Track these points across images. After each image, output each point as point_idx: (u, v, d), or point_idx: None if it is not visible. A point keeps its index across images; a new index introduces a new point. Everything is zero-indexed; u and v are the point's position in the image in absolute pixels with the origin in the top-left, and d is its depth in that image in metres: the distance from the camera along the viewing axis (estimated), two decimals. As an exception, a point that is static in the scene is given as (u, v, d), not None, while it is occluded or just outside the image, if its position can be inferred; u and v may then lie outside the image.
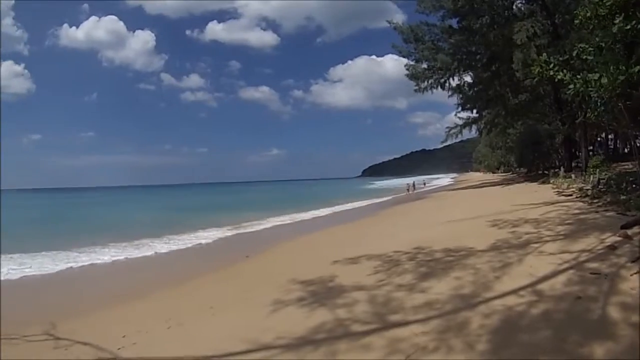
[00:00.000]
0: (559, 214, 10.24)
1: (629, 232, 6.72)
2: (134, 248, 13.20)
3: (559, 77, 9.47)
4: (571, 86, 9.22)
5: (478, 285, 5.24)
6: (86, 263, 11.06)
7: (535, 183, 25.49)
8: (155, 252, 12.55)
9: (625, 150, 38.44)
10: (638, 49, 10.02)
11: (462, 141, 60.74)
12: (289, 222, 20.47)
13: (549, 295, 4.49)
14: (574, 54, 9.52)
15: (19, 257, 11.66)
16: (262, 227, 18.38)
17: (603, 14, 8.99)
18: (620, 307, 3.93)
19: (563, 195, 15.40)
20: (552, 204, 12.58)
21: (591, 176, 16.52)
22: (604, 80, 8.35)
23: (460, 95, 32.49)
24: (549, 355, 3.27)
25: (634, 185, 11.84)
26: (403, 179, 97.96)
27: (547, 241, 7.21)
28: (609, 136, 39.30)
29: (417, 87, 31.16)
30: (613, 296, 4.21)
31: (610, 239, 6.55)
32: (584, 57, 9.27)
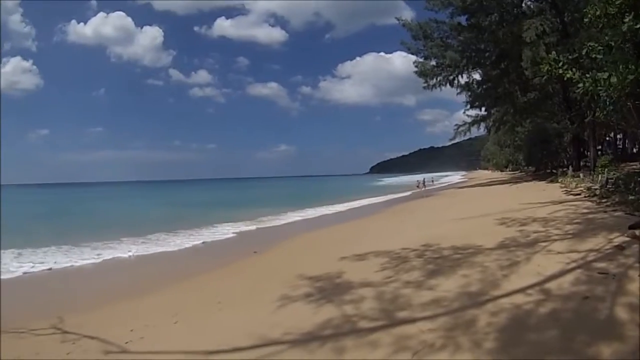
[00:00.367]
0: (567, 213, 10.20)
1: (637, 232, 6.68)
2: (147, 243, 13.28)
3: (568, 75, 9.40)
4: (580, 85, 9.15)
5: (486, 283, 5.25)
6: (97, 259, 11.10)
7: (544, 182, 25.36)
8: (166, 249, 12.56)
9: (634, 150, 38.15)
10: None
11: (470, 139, 60.22)
12: (299, 218, 20.53)
13: (557, 294, 4.49)
14: (583, 52, 9.43)
15: (31, 253, 11.72)
16: (271, 224, 18.39)
17: (613, 12, 8.89)
18: (627, 307, 3.91)
19: (571, 194, 15.33)
20: (560, 203, 12.53)
21: (599, 176, 16.40)
22: (613, 80, 8.28)
23: (469, 93, 32.31)
24: (556, 354, 3.27)
25: (642, 185, 11.75)
26: (411, 176, 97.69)
27: (555, 240, 7.19)
28: (618, 136, 38.86)
29: (425, 84, 30.97)
30: (620, 296, 4.20)
31: (619, 239, 6.52)
32: (593, 55, 9.18)
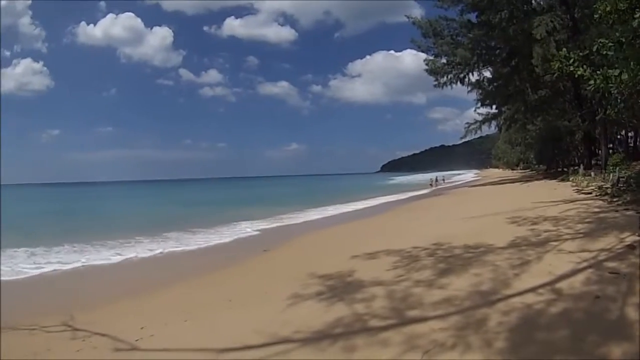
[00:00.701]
0: (579, 212, 10.14)
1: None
2: (159, 242, 13.20)
3: (578, 72, 9.34)
4: (591, 82, 9.07)
5: (497, 282, 5.25)
6: (109, 259, 11.06)
7: (555, 180, 25.20)
8: (186, 247, 12.41)
9: (646, 149, 37.63)
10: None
11: (481, 137, 60.07)
12: (319, 216, 20.08)
13: (568, 294, 4.49)
14: (594, 49, 9.33)
15: (44, 252, 11.77)
16: (285, 223, 17.97)
17: (623, 8, 8.78)
18: (638, 307, 3.91)
19: (582, 193, 15.23)
20: (572, 201, 12.45)
21: (611, 174, 16.26)
22: (624, 76, 8.18)
23: (480, 91, 32.22)
24: (567, 354, 3.27)
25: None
26: (423, 174, 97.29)
27: (567, 239, 7.17)
28: (629, 134, 38.31)
29: (436, 83, 30.88)
30: (632, 296, 4.19)
31: (630, 238, 6.49)
32: (604, 52, 9.08)
